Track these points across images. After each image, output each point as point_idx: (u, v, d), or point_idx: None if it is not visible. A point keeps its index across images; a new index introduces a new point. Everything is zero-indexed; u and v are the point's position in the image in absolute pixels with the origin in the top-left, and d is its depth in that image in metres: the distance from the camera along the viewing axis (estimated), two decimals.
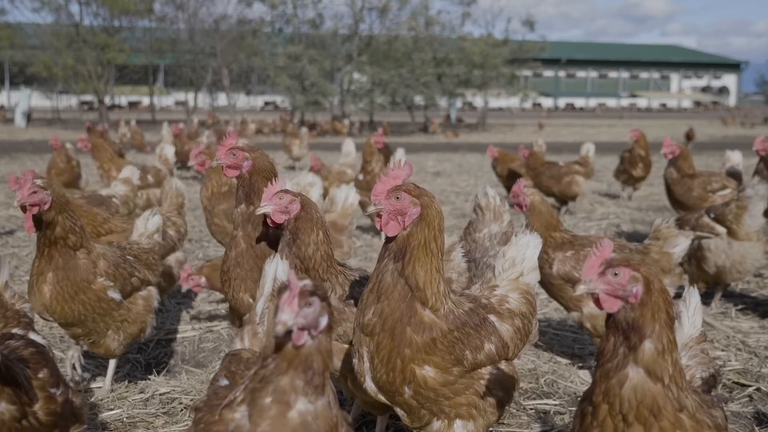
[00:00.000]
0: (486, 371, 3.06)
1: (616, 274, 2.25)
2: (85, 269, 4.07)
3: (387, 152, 10.46)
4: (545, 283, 4.65)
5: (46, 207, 3.92)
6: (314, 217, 3.54)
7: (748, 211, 5.84)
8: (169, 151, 10.18)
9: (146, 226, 4.73)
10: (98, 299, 4.11)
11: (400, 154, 9.99)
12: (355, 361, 3.04)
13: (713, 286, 6.33)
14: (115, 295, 4.18)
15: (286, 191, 3.55)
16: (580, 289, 2.27)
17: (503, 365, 3.13)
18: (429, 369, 2.90)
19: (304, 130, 20.26)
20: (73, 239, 4.06)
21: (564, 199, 11.18)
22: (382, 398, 3.06)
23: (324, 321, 1.93)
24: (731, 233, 5.92)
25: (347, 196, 5.80)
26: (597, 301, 2.27)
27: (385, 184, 2.89)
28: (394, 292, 2.88)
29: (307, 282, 1.93)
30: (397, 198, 2.86)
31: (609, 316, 2.28)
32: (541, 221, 4.68)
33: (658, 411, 2.20)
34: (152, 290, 4.50)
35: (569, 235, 4.81)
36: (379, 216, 2.88)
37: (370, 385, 3.03)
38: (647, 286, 2.24)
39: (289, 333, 1.87)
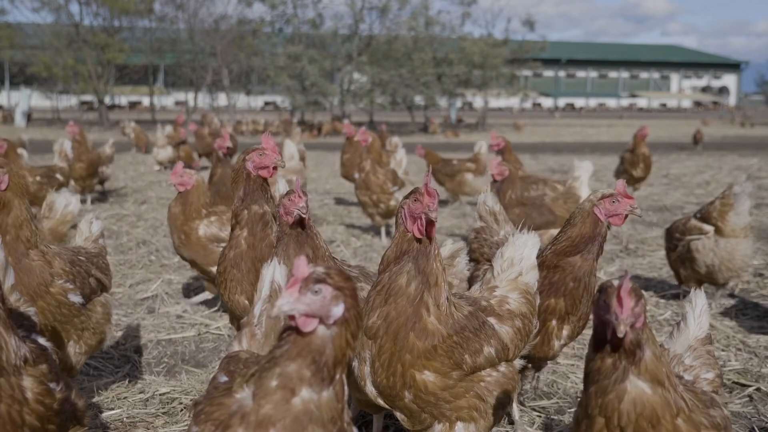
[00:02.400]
0: (486, 374, 3.06)
1: (634, 307, 2.19)
2: (41, 271, 3.58)
3: (377, 147, 10.17)
4: None
5: (2, 186, 3.49)
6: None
7: (734, 208, 5.86)
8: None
9: (90, 230, 4.26)
10: (58, 304, 3.62)
11: (401, 155, 9.97)
12: (355, 363, 3.04)
13: (714, 289, 6.34)
14: (76, 298, 3.71)
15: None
16: (621, 330, 2.15)
17: (503, 367, 3.13)
18: (429, 374, 2.91)
19: (298, 129, 20.40)
20: (27, 233, 3.58)
21: (456, 194, 11.82)
22: (381, 402, 3.05)
23: (337, 311, 1.93)
24: (717, 231, 5.94)
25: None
26: (625, 337, 2.20)
27: (435, 195, 2.93)
28: (404, 295, 2.88)
29: (318, 269, 1.94)
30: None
31: (600, 341, 2.25)
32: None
33: (657, 421, 2.21)
34: (108, 297, 4.07)
35: None
36: (434, 223, 2.93)
37: (370, 389, 3.02)
38: (645, 306, 2.25)
39: (293, 318, 1.90)
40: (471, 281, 4.06)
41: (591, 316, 2.31)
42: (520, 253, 3.34)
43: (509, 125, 44.54)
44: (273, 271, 2.72)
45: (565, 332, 3.83)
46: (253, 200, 3.96)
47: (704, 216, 6.07)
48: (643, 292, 6.64)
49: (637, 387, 2.21)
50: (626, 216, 3.84)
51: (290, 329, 1.95)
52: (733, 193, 5.91)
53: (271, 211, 4.05)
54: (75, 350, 3.78)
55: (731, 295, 6.61)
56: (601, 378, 2.24)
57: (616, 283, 2.20)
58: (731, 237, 5.89)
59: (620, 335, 2.16)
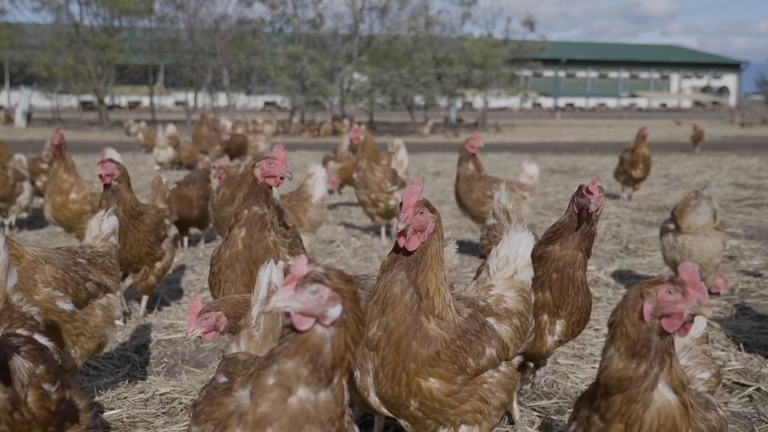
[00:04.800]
0: (488, 375, 3.06)
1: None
2: (21, 276, 3.39)
3: (371, 144, 9.62)
4: None
5: None
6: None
7: (695, 209, 6.25)
8: None
9: (101, 228, 4.19)
10: (45, 311, 3.48)
11: (402, 154, 9.95)
12: (357, 374, 3.01)
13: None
14: (66, 305, 3.60)
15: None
16: (706, 318, 2.26)
17: (504, 366, 3.13)
18: (434, 381, 2.90)
19: (269, 127, 20.55)
20: None
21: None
22: (385, 411, 3.03)
23: (334, 312, 1.92)
24: (677, 228, 6.37)
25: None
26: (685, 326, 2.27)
27: (410, 200, 2.86)
28: (401, 304, 2.86)
29: (317, 269, 1.94)
30: (421, 213, 2.88)
31: (640, 344, 2.25)
32: None
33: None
34: (112, 299, 3.95)
35: None
36: (403, 232, 2.86)
37: (374, 399, 3.01)
38: None
39: (288, 315, 1.92)
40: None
41: (623, 322, 2.31)
42: (515, 252, 3.34)
43: (507, 125, 44.54)
44: (270, 273, 2.72)
45: (558, 327, 3.82)
46: (254, 202, 3.97)
47: (671, 215, 6.53)
48: None
49: (663, 397, 2.22)
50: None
51: (289, 327, 1.95)
52: (700, 195, 6.33)
53: (271, 214, 4.05)
54: (70, 354, 3.70)
55: (731, 295, 6.62)
56: (632, 386, 2.24)
57: (666, 278, 2.26)
58: (688, 234, 6.27)
59: (708, 314, 2.23)
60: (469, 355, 2.95)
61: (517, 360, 3.29)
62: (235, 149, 17.81)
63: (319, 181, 7.15)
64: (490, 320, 3.13)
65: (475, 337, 2.99)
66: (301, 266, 1.95)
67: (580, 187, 3.79)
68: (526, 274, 3.36)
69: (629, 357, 2.24)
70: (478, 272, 4.00)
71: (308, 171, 7.29)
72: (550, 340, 3.83)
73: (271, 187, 4.04)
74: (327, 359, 1.92)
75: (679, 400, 2.23)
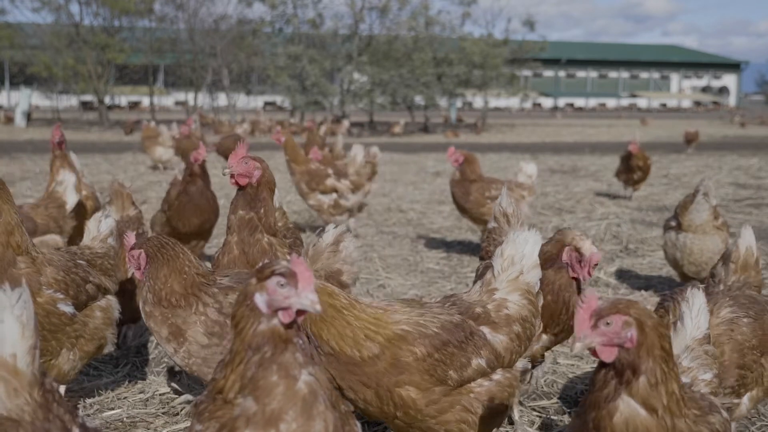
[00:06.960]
0: (476, 384, 3.00)
1: (608, 324, 2.20)
2: (28, 280, 3.40)
3: (292, 144, 9.38)
4: None
5: None
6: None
7: (693, 205, 6.29)
8: None
9: (99, 229, 4.14)
10: (47, 314, 3.48)
11: (355, 150, 9.75)
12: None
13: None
14: (67, 308, 3.58)
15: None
16: (577, 347, 2.21)
17: (499, 374, 3.07)
18: (411, 389, 2.86)
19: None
20: (17, 239, 3.46)
21: None
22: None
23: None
24: (679, 225, 6.41)
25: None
26: (594, 353, 2.22)
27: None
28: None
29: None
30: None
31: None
32: None
33: None
34: (111, 300, 3.93)
35: None
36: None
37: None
38: (641, 328, 2.21)
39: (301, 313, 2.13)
40: (480, 278, 4.09)
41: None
42: (521, 251, 3.21)
43: (508, 125, 44.52)
44: None
45: (543, 338, 3.83)
46: (240, 206, 3.98)
47: (674, 212, 6.58)
48: (641, 302, 6.67)
49: (630, 406, 2.19)
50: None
51: (268, 332, 2.09)
52: (696, 190, 6.36)
53: (259, 217, 4.01)
54: (69, 357, 3.69)
55: None
56: (596, 389, 2.25)
57: (629, 300, 2.24)
58: (689, 232, 6.30)
59: (571, 351, 2.19)
60: (450, 368, 2.89)
61: (521, 364, 3.21)
62: (182, 153, 16.38)
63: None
64: (485, 329, 3.05)
65: (457, 348, 2.93)
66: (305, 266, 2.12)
67: (579, 250, 3.77)
68: (533, 275, 3.22)
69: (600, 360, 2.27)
70: (481, 273, 4.00)
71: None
72: (535, 345, 3.83)
73: (252, 187, 4.00)
74: (304, 339, 2.15)
75: (647, 413, 2.18)
